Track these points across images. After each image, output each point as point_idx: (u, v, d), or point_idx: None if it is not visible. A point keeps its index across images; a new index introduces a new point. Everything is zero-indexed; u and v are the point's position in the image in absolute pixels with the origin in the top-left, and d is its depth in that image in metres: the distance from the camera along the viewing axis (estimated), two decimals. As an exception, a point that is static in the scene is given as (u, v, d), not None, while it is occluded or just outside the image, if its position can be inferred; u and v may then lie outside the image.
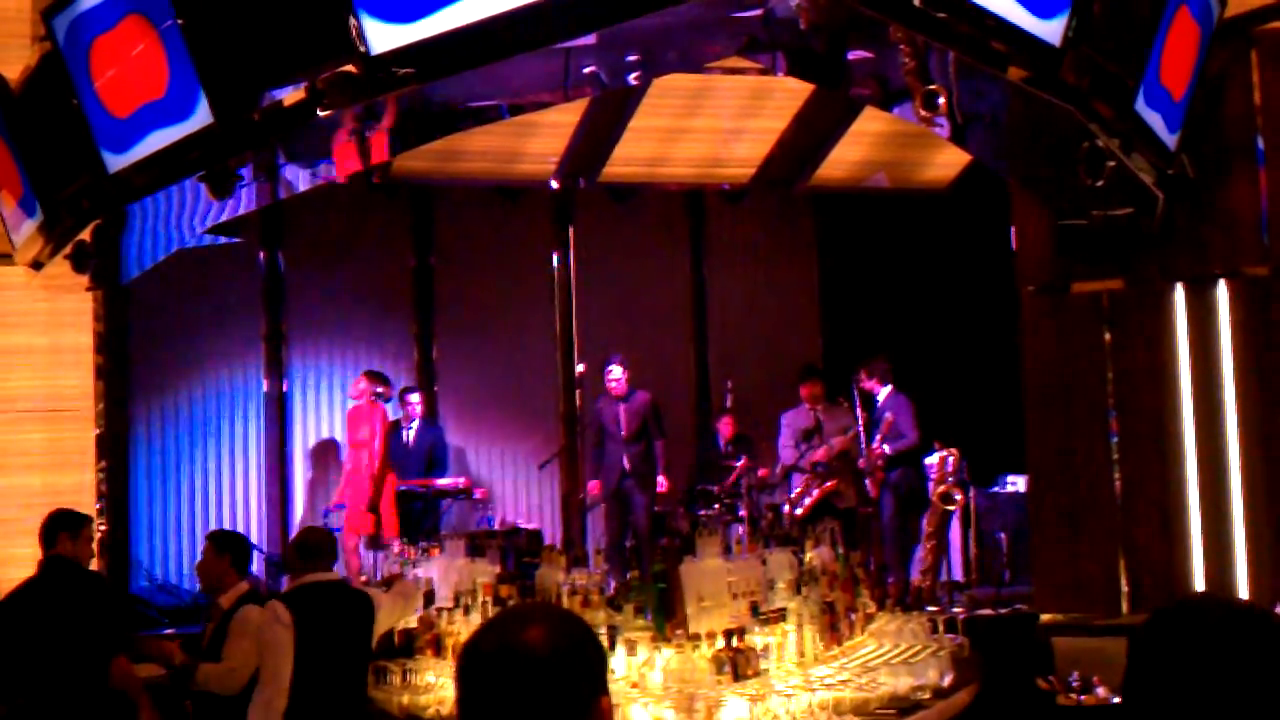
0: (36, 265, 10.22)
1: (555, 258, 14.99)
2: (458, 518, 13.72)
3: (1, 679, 7.62)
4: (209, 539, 7.80)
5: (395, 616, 7.71)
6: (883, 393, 12.63)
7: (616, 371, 13.43)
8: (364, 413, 13.17)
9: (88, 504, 10.98)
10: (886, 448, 12.36)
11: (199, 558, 7.76)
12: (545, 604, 7.12)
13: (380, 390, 13.31)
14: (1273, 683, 2.29)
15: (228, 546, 7.65)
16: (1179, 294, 10.07)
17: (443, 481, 13.38)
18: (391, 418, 13.54)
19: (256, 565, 11.53)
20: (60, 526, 7.98)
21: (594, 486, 13.64)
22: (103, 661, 7.30)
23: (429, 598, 8.26)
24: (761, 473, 13.13)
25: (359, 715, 7.01)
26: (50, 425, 11.04)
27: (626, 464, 13.36)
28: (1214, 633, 2.34)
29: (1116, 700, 8.49)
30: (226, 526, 13.43)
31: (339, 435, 13.92)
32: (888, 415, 12.44)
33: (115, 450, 11.37)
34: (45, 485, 10.95)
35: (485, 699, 2.41)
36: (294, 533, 13.49)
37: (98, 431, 11.14)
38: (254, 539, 11.93)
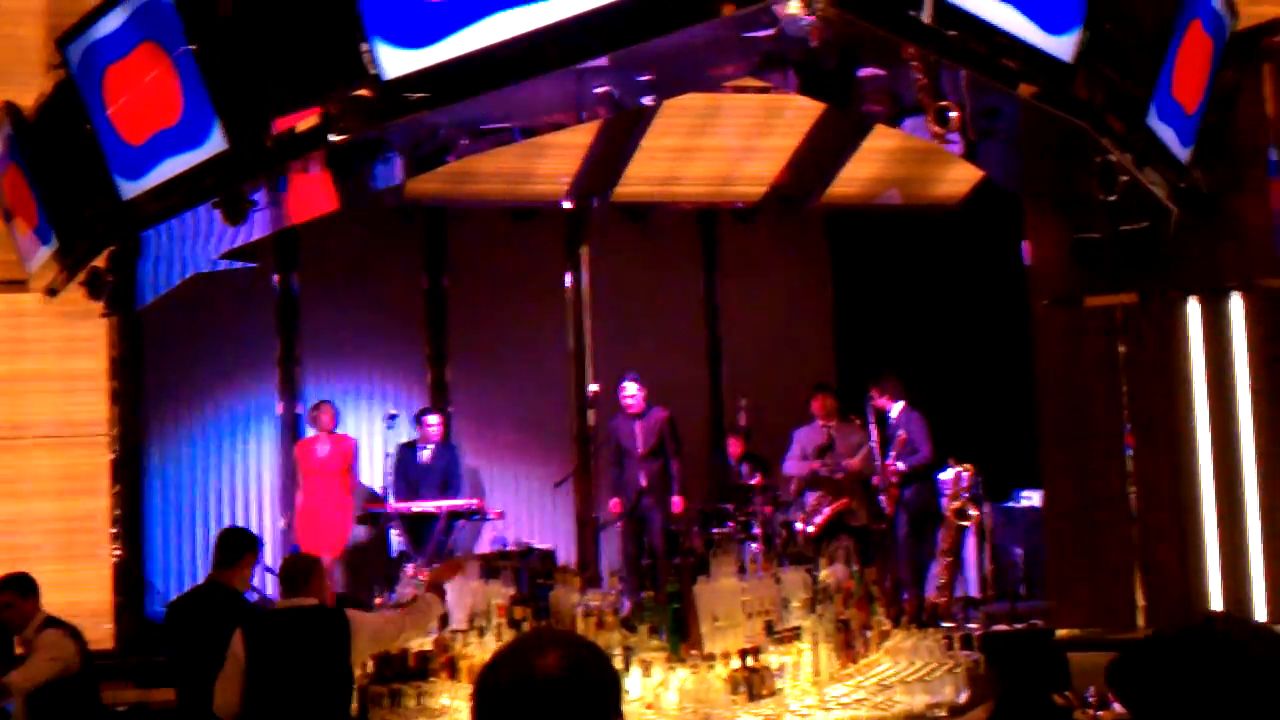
0: (51, 292, 10.28)
1: (568, 277, 14.99)
2: (471, 539, 13.71)
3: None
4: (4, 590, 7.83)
5: (408, 633, 7.47)
6: (895, 409, 12.60)
7: (632, 389, 13.41)
8: (330, 440, 13.21)
9: (102, 529, 11.03)
10: (901, 464, 12.34)
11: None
12: (558, 630, 7.11)
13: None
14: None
15: (17, 589, 7.77)
16: (1193, 307, 10.05)
17: (457, 502, 13.35)
18: (407, 439, 13.56)
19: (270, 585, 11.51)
20: (247, 547, 7.42)
21: (615, 505, 13.59)
22: None
23: (444, 620, 8.24)
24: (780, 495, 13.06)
25: None
26: (65, 451, 11.06)
27: (643, 481, 13.31)
28: (1223, 652, 2.33)
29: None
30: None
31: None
32: (901, 432, 12.42)
33: (130, 475, 11.39)
34: (60, 510, 10.98)
35: (502, 726, 2.41)
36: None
37: (112, 457, 11.15)
38: (269, 562, 11.91)
